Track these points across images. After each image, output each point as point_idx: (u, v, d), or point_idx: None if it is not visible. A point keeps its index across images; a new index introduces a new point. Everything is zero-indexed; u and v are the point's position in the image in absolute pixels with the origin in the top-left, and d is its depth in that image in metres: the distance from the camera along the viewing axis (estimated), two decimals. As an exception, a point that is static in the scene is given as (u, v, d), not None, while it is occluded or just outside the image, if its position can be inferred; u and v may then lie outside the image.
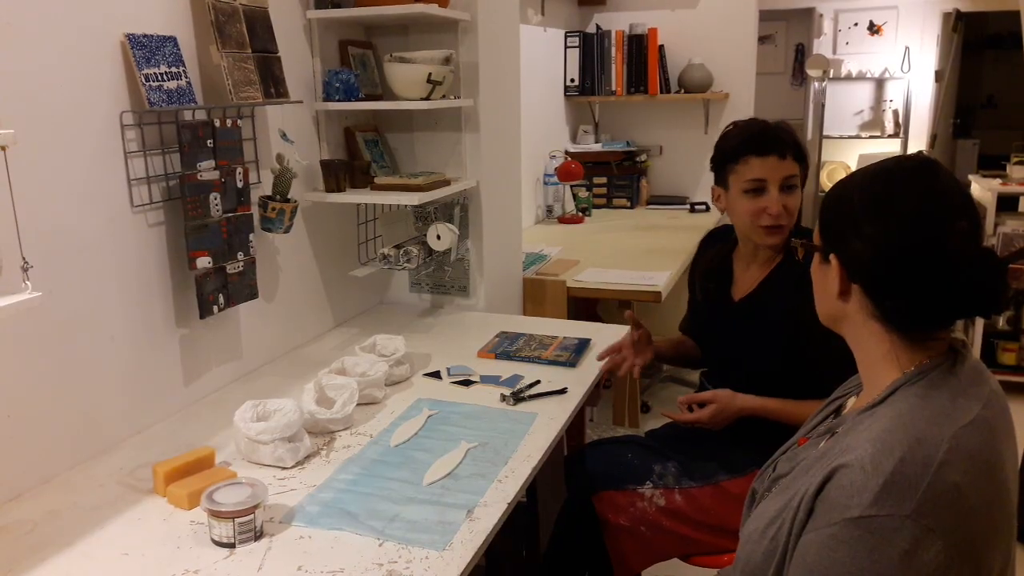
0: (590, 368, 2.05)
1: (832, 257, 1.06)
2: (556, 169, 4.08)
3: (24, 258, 1.33)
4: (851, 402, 1.17)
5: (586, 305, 3.42)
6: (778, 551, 1.01)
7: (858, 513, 0.90)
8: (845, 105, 7.16)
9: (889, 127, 7.01)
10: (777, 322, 1.72)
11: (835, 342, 1.57)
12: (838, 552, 0.91)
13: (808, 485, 0.98)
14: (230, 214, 1.82)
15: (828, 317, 1.13)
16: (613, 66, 4.42)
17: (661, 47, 4.37)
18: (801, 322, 1.66)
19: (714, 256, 1.90)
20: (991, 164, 4.42)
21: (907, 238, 0.98)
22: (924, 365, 1.01)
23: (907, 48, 6.84)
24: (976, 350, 3.89)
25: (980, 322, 3.87)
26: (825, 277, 1.09)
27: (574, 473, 1.90)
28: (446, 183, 2.33)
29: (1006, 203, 3.94)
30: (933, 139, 6.92)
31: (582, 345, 2.18)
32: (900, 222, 0.99)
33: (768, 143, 1.72)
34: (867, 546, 0.89)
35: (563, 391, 1.90)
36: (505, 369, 2.05)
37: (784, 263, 1.76)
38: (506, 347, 2.19)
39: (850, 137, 7.14)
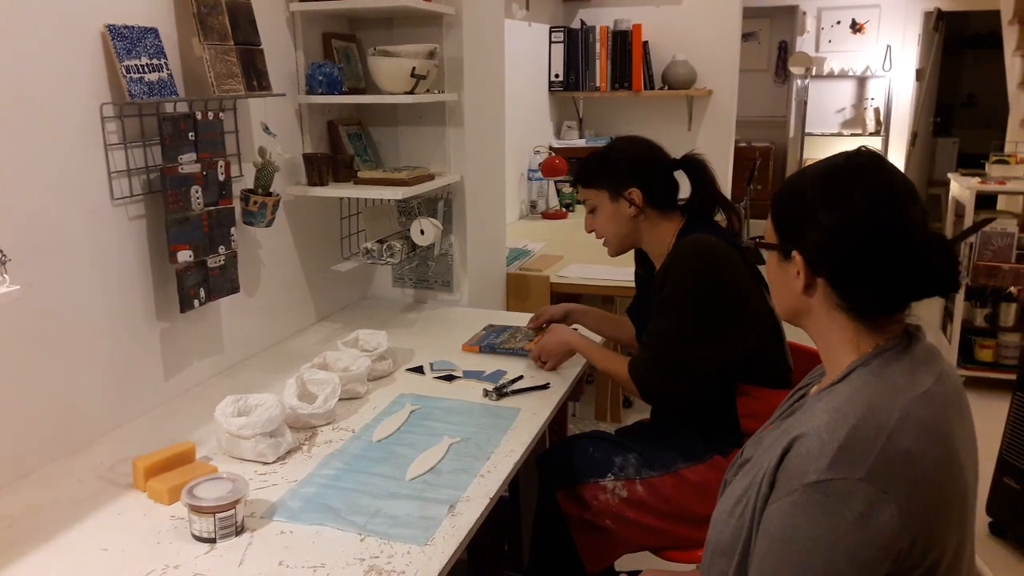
0: (573, 364, 2.06)
1: (795, 254, 1.08)
2: (540, 164, 4.08)
3: (1, 251, 1.32)
4: (814, 390, 1.19)
5: (569, 300, 3.42)
6: (744, 528, 1.04)
7: (815, 478, 0.94)
8: (827, 103, 7.22)
9: (871, 125, 7.07)
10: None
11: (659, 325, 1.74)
12: (798, 518, 0.95)
13: (769, 460, 1.02)
14: (211, 207, 1.81)
15: (790, 312, 1.15)
16: (597, 62, 4.43)
17: (645, 43, 4.38)
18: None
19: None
20: (970, 162, 4.46)
21: (865, 222, 1.02)
22: (880, 346, 1.05)
23: (889, 47, 6.90)
24: (954, 347, 3.94)
25: (959, 319, 3.92)
26: (786, 274, 1.11)
27: (541, 471, 1.93)
28: (430, 178, 2.32)
29: (985, 201, 3.99)
30: (914, 137, 6.99)
31: None
32: (857, 207, 1.02)
33: None
34: (824, 510, 0.93)
35: (546, 386, 1.91)
36: (488, 364, 2.05)
37: (670, 256, 1.81)
38: (491, 340, 2.19)
39: (832, 135, 7.20)
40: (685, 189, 1.90)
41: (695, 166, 1.87)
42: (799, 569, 0.95)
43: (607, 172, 1.88)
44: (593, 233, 1.95)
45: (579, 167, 1.96)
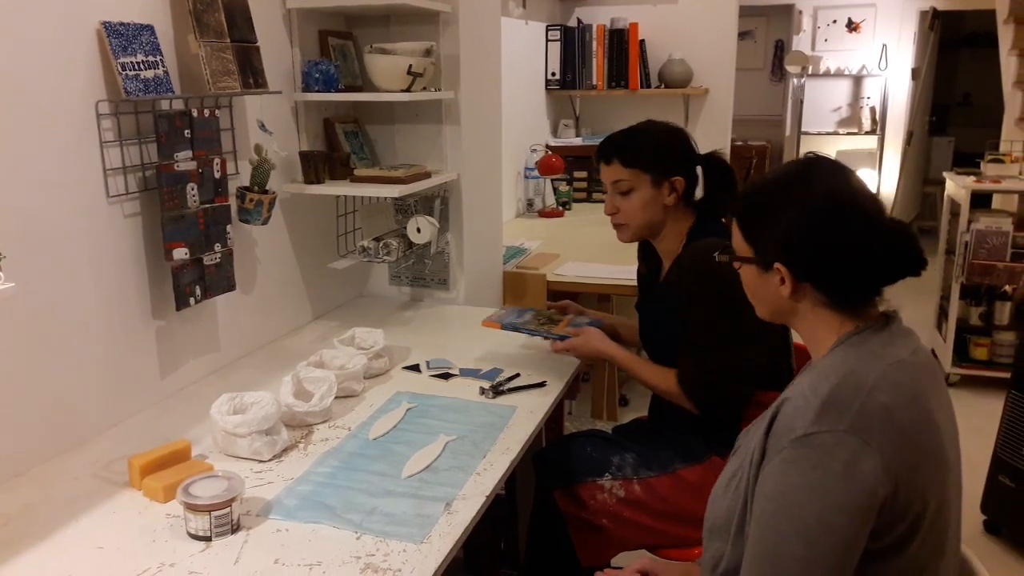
0: (569, 362, 2.06)
1: (778, 265, 1.13)
2: (537, 163, 4.08)
3: (-3, 248, 1.32)
4: None
5: (565, 299, 3.43)
6: (739, 502, 1.09)
7: (802, 432, 1.01)
8: (823, 102, 7.22)
9: (866, 124, 7.08)
10: (676, 304, 1.74)
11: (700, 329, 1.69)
12: (788, 474, 1.01)
13: (759, 431, 1.07)
14: (207, 205, 1.81)
15: (775, 314, 1.21)
16: (594, 60, 4.42)
17: (642, 42, 4.38)
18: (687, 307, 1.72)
19: (649, 244, 1.95)
20: (966, 161, 4.47)
21: (835, 215, 1.09)
22: (860, 327, 1.13)
23: (884, 46, 6.91)
24: (949, 345, 3.94)
25: (953, 318, 3.93)
26: (768, 283, 1.16)
27: (539, 469, 1.93)
28: (427, 176, 2.32)
29: (980, 200, 4.00)
30: (909, 136, 6.99)
31: None
32: (824, 203, 1.10)
33: (600, 151, 1.84)
34: (812, 462, 0.99)
35: (542, 384, 1.91)
36: (492, 359, 2.05)
37: (685, 251, 1.79)
38: (513, 319, 2.09)
39: (828, 133, 7.20)
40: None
41: (719, 165, 1.83)
42: (794, 524, 1.00)
43: (655, 154, 1.77)
44: (613, 216, 1.84)
45: (621, 143, 1.81)
